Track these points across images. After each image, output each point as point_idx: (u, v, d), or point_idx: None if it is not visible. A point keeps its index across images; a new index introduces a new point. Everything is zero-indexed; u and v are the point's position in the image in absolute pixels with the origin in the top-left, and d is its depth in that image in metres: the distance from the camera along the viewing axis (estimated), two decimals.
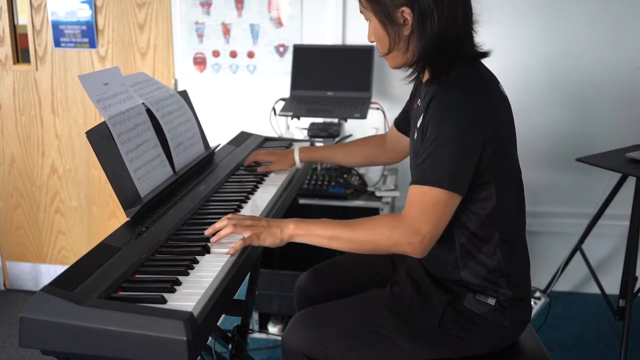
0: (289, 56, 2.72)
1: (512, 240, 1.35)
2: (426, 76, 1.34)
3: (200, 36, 2.77)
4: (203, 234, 1.29)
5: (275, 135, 2.50)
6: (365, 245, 1.27)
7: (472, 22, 1.31)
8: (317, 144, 2.42)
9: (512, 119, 1.35)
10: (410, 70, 1.36)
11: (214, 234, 1.27)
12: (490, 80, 1.32)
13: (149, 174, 1.44)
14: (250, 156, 1.80)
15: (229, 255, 1.21)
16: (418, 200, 1.23)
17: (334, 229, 1.27)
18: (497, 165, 1.26)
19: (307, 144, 2.08)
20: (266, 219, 1.31)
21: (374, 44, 1.37)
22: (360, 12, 1.35)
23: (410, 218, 1.22)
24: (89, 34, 2.79)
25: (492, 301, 1.33)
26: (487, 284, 1.33)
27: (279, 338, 2.41)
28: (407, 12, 1.25)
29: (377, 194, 2.37)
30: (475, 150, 1.22)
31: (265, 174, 1.74)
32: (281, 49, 2.74)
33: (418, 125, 1.34)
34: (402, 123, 1.64)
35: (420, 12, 1.24)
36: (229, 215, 1.29)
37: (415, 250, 1.23)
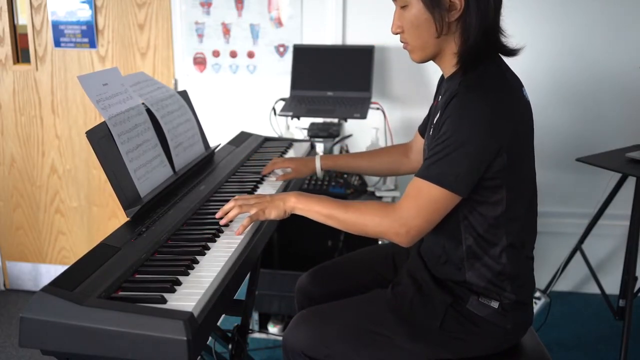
0: (289, 56, 2.72)
1: (520, 245, 1.33)
2: (449, 71, 1.32)
3: (200, 36, 2.77)
4: (203, 234, 1.30)
5: (275, 135, 2.50)
6: (356, 227, 1.31)
7: (501, 15, 1.29)
8: (317, 144, 2.42)
9: (531, 125, 1.32)
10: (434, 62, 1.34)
11: (223, 219, 1.34)
12: (513, 84, 1.29)
13: (149, 174, 1.44)
14: (269, 164, 1.72)
15: (229, 255, 1.21)
16: (415, 194, 1.23)
17: (330, 208, 1.32)
18: (511, 170, 1.24)
19: (307, 144, 2.08)
20: (270, 195, 1.38)
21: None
22: None
23: (402, 210, 1.24)
24: (89, 34, 2.79)
25: (495, 304, 1.32)
26: (491, 287, 1.33)
27: (279, 338, 2.41)
28: None
29: (377, 194, 2.37)
30: (487, 156, 1.21)
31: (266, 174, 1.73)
32: (281, 49, 2.74)
33: (435, 122, 1.32)
34: (426, 129, 1.60)
35: None
36: (235, 197, 1.37)
37: (401, 241, 1.26)
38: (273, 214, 1.35)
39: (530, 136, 1.32)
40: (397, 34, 1.33)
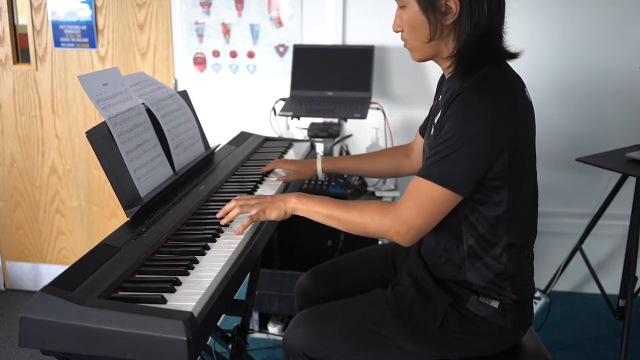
0: (289, 56, 2.72)
1: (520, 245, 1.33)
2: (449, 72, 1.33)
3: (200, 36, 2.77)
4: (203, 234, 1.30)
5: (275, 135, 2.50)
6: (357, 227, 1.31)
7: (504, 19, 1.29)
8: (317, 144, 2.42)
9: (534, 125, 1.32)
10: (437, 64, 1.35)
11: (223, 218, 1.35)
12: (516, 84, 1.29)
13: (149, 174, 1.44)
14: (271, 164, 1.74)
15: (230, 255, 1.21)
16: (416, 193, 1.23)
17: (331, 208, 1.32)
18: (512, 171, 1.24)
19: (307, 144, 2.08)
20: (271, 196, 1.38)
21: (397, 34, 1.34)
22: None
23: (402, 208, 1.24)
24: (89, 34, 2.79)
25: (495, 304, 1.32)
26: (491, 287, 1.33)
27: (279, 338, 2.41)
28: (452, 1, 1.23)
29: (377, 194, 2.37)
30: (489, 157, 1.20)
31: (266, 174, 1.73)
32: (281, 49, 2.74)
33: (436, 121, 1.32)
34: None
35: (469, 0, 1.22)
36: (236, 197, 1.38)
37: (402, 240, 1.26)
38: (273, 214, 1.35)
39: (532, 137, 1.32)
40: (397, 32, 1.34)
